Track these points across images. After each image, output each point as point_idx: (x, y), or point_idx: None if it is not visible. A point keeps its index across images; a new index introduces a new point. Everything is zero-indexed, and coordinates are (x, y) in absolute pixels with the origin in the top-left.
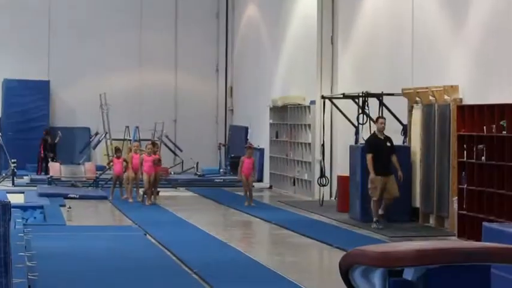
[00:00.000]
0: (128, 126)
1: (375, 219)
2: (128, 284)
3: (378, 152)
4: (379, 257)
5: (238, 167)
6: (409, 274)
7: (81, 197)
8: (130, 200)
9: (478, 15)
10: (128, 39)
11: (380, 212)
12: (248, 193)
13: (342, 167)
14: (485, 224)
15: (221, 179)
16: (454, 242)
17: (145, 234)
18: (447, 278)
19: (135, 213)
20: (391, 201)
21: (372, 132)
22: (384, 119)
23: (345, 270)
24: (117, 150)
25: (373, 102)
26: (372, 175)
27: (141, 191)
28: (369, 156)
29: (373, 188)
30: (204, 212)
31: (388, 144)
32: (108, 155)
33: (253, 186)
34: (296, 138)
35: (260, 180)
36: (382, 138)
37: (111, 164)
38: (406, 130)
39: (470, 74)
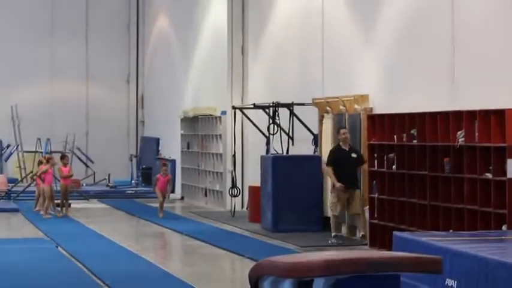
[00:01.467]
0: (39, 139)
1: (333, 234)
2: None
3: (340, 164)
4: (288, 268)
5: (153, 184)
6: (318, 284)
7: None
8: (47, 215)
9: (386, 24)
10: (38, 50)
11: (338, 233)
12: (160, 205)
13: (253, 177)
14: (395, 233)
15: (133, 190)
16: (363, 252)
17: (57, 247)
18: (357, 287)
19: (47, 226)
20: (356, 219)
21: (336, 144)
22: (345, 128)
23: (255, 281)
24: (40, 162)
25: (283, 112)
26: (337, 184)
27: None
28: (329, 169)
29: (334, 203)
30: (116, 223)
31: (354, 155)
32: (20, 167)
33: (167, 198)
34: (207, 148)
35: (172, 191)
36: (347, 149)
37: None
38: (316, 140)
39: (380, 83)
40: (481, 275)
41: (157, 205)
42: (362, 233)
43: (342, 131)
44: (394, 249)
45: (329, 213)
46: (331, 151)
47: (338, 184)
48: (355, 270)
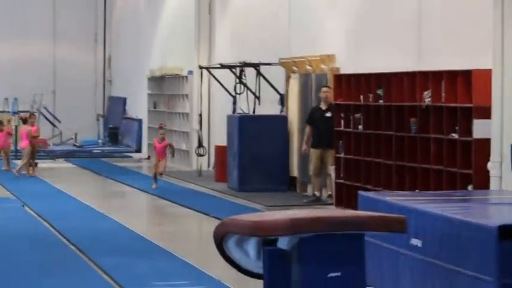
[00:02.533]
0: (6, 98)
1: (315, 192)
2: (4, 255)
3: (315, 123)
4: (252, 226)
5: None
6: (283, 243)
7: None
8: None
9: None
10: (5, 10)
11: (317, 193)
12: (154, 176)
13: (219, 137)
14: (360, 192)
15: (100, 149)
16: (327, 211)
17: (23, 206)
18: (320, 246)
19: (13, 185)
20: (317, 175)
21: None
22: (327, 87)
23: (219, 240)
24: (0, 122)
25: (250, 72)
26: (302, 147)
27: (19, 162)
28: (306, 128)
29: (310, 162)
30: (82, 183)
31: (328, 114)
32: None
33: (164, 170)
34: (174, 108)
35: (138, 150)
36: (324, 108)
37: None
38: (283, 99)
39: (347, 44)
40: (445, 234)
41: (125, 164)
42: (329, 192)
43: (323, 89)
44: (359, 209)
45: (291, 172)
46: (310, 109)
47: (304, 147)
48: (319, 229)
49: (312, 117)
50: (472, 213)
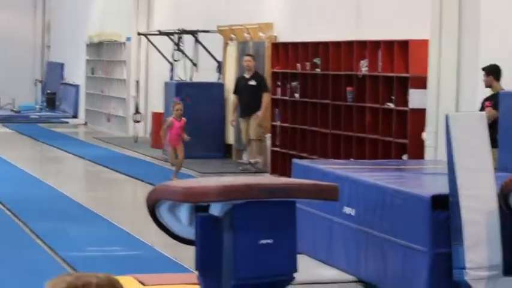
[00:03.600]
0: None
1: (252, 160)
2: None
3: (240, 92)
4: (184, 192)
5: (162, 129)
6: (215, 209)
7: None
8: None
9: None
10: None
11: (252, 160)
12: (175, 168)
13: (156, 103)
14: (295, 160)
15: (37, 115)
16: (259, 178)
17: None
18: (252, 213)
19: None
20: (254, 143)
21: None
22: (250, 56)
23: (152, 206)
24: None
25: (188, 39)
26: (232, 116)
27: None
28: (232, 97)
29: (241, 132)
30: (19, 148)
31: (252, 83)
32: None
33: (183, 162)
34: (112, 74)
35: (75, 116)
36: (248, 77)
37: None
38: (220, 67)
39: (285, 12)
40: (378, 203)
41: (61, 130)
42: (251, 160)
43: (245, 58)
44: (294, 177)
45: (227, 140)
46: (236, 79)
47: (230, 118)
48: (250, 195)
49: (237, 87)
50: (405, 183)
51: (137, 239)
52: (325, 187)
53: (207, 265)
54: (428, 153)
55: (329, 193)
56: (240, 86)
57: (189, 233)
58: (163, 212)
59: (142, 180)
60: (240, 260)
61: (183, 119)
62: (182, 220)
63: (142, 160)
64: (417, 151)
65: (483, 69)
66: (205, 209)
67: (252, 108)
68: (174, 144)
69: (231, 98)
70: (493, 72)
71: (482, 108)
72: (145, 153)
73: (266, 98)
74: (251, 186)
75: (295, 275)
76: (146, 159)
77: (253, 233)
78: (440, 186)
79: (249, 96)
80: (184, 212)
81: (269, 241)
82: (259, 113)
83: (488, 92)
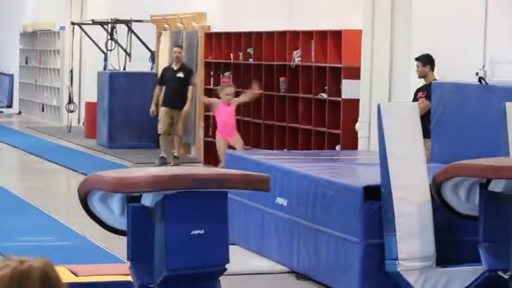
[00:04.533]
0: None
1: (160, 154)
2: None
3: (166, 83)
4: (115, 182)
5: (213, 110)
6: (147, 200)
7: None
8: None
9: None
10: None
11: (164, 154)
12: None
13: (90, 93)
14: (227, 151)
15: None
16: (191, 169)
17: None
18: (184, 203)
19: None
20: (179, 138)
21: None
22: (179, 47)
23: (84, 196)
24: None
25: (122, 29)
26: (154, 107)
27: None
28: (156, 88)
29: (159, 121)
30: None
31: (180, 75)
32: None
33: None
34: (45, 64)
35: (9, 106)
36: (176, 68)
37: None
38: (154, 57)
39: (218, 2)
40: (310, 194)
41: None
42: (175, 154)
43: (175, 49)
44: (227, 167)
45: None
46: (162, 70)
47: (151, 109)
48: (181, 186)
49: (163, 77)
50: (338, 173)
51: (70, 229)
52: (257, 177)
53: (139, 256)
54: (362, 144)
55: (260, 184)
56: (167, 76)
57: (121, 223)
58: (95, 202)
59: (75, 170)
60: (172, 251)
61: (233, 102)
62: (114, 210)
63: (76, 150)
64: (350, 141)
65: (419, 59)
66: (137, 199)
67: (177, 100)
68: (226, 136)
69: (156, 88)
70: (429, 61)
71: (415, 99)
72: (79, 143)
73: (191, 91)
74: (182, 176)
75: (227, 265)
76: (80, 149)
77: (184, 223)
78: (373, 177)
79: (175, 88)
80: (116, 202)
81: (201, 232)
82: (185, 108)
83: (421, 82)
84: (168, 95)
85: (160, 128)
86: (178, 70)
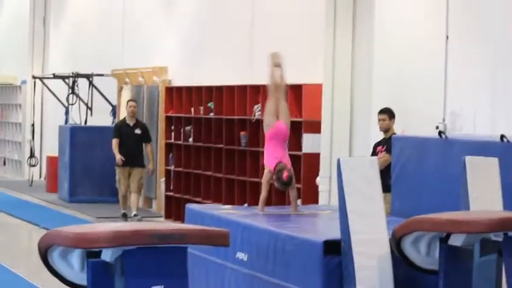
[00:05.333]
0: None
1: (121, 211)
2: None
3: (122, 140)
4: (75, 238)
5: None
6: (106, 255)
7: None
8: None
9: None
10: None
11: (133, 212)
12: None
13: (51, 147)
14: (188, 205)
15: None
16: (150, 224)
17: None
18: (143, 259)
19: None
20: (136, 196)
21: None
22: (134, 101)
23: (44, 251)
24: None
25: (83, 83)
26: (117, 156)
27: None
28: (114, 142)
29: (117, 181)
30: None
31: (138, 131)
32: None
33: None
34: (7, 118)
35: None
36: (131, 124)
37: None
38: (115, 111)
39: (179, 56)
40: (270, 249)
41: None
42: (134, 212)
43: (130, 103)
44: (187, 222)
45: None
46: (115, 124)
47: (118, 156)
48: (140, 241)
49: (119, 132)
50: (298, 228)
51: (30, 284)
52: (216, 233)
53: None
54: (322, 198)
55: (220, 239)
56: (124, 133)
57: (81, 278)
58: (55, 258)
59: (37, 225)
60: None
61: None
62: (74, 266)
63: (37, 204)
64: (311, 196)
65: (385, 112)
66: (97, 254)
67: (135, 158)
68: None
69: (113, 142)
70: (394, 115)
71: (374, 153)
72: (40, 197)
73: (151, 149)
74: (141, 232)
75: None
76: (41, 204)
77: (144, 278)
78: (332, 232)
79: (134, 145)
80: (76, 257)
81: (160, 287)
82: (151, 166)
83: (381, 136)
84: (126, 154)
85: (122, 189)
86: (135, 126)
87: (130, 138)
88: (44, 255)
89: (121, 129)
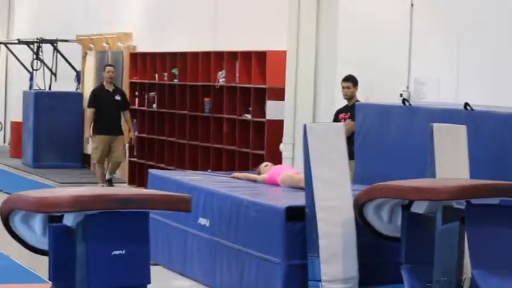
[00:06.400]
0: None
1: (100, 185)
2: None
3: (102, 107)
4: (36, 203)
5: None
6: (68, 220)
7: None
8: None
9: None
10: None
11: (107, 176)
12: None
13: (15, 112)
14: (150, 171)
15: None
16: (112, 189)
17: None
18: (105, 223)
19: None
20: (117, 165)
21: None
22: (112, 66)
23: (5, 216)
24: None
25: (48, 49)
26: (86, 133)
27: None
28: (89, 112)
29: (94, 149)
30: None
31: (118, 98)
32: None
33: None
34: None
35: None
36: (111, 90)
37: None
38: (79, 77)
39: (144, 22)
40: (233, 214)
41: None
42: (108, 177)
43: (108, 68)
44: (150, 187)
45: (85, 150)
46: (92, 91)
47: (88, 133)
48: (102, 206)
49: (97, 100)
50: (260, 194)
51: None
52: (178, 198)
53: (60, 276)
54: (286, 164)
55: (182, 204)
56: (103, 100)
57: (43, 243)
58: (17, 222)
59: (0, 190)
60: (93, 271)
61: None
62: (36, 230)
63: (1, 169)
64: (275, 162)
65: (349, 79)
66: (59, 219)
67: (116, 126)
68: None
69: (88, 111)
70: (357, 83)
71: (336, 120)
72: (4, 163)
73: (130, 116)
74: (103, 196)
75: (148, 286)
76: (5, 169)
77: (105, 243)
78: (297, 198)
79: (114, 112)
80: (37, 222)
81: (122, 252)
82: (131, 135)
83: (343, 103)
84: (105, 121)
85: (97, 158)
86: (114, 92)
87: (110, 105)
88: (6, 219)
89: (100, 97)
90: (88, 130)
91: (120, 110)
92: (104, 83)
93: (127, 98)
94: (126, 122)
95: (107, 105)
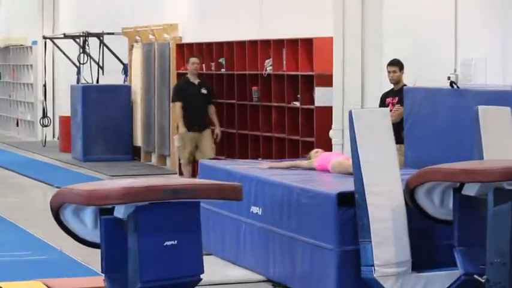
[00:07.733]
0: None
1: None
2: None
3: (188, 101)
4: (86, 195)
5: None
6: (119, 212)
7: None
8: None
9: None
10: None
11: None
12: None
13: (64, 107)
14: (201, 161)
15: None
16: (163, 180)
17: None
18: (156, 214)
19: None
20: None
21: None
22: (197, 58)
23: (56, 209)
24: None
25: (94, 42)
26: (181, 129)
27: None
28: (177, 106)
29: (182, 147)
30: None
31: (204, 91)
32: None
33: None
34: (19, 79)
35: None
36: (196, 83)
37: None
38: (126, 69)
39: (189, 12)
40: (284, 202)
41: None
42: None
43: (192, 60)
44: (200, 178)
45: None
46: (177, 84)
47: (183, 129)
48: (153, 197)
49: (183, 93)
50: (311, 181)
51: (46, 244)
52: (228, 187)
53: (113, 268)
54: (336, 151)
55: (232, 193)
56: (189, 93)
57: (95, 236)
58: (67, 216)
59: (51, 185)
60: (145, 262)
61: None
62: (87, 223)
63: (51, 164)
64: (324, 149)
65: (396, 63)
66: (110, 211)
67: (203, 121)
68: None
69: (177, 106)
70: (403, 67)
71: (382, 104)
72: (53, 157)
73: (215, 110)
74: (153, 187)
75: (202, 276)
76: (55, 163)
77: (157, 234)
78: (347, 184)
79: (200, 107)
80: (88, 215)
81: (174, 242)
82: (217, 130)
83: (389, 87)
84: (192, 116)
85: (186, 158)
86: (200, 85)
87: (197, 99)
88: (56, 213)
89: (185, 90)
90: (181, 126)
91: (206, 105)
92: (189, 76)
93: (213, 90)
94: (210, 116)
95: (192, 100)
